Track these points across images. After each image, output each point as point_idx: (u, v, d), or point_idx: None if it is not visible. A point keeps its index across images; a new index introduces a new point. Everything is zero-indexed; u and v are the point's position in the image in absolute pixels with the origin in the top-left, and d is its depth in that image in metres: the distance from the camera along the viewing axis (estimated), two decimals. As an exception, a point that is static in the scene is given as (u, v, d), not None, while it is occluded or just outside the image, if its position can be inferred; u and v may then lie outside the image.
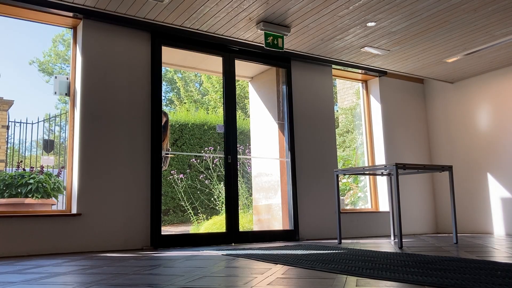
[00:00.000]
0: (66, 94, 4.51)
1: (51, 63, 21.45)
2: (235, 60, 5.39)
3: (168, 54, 5.10)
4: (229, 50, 5.29)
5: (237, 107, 13.75)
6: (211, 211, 8.17)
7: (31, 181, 5.23)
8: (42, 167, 5.58)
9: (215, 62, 5.74)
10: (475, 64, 6.07)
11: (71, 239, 4.10)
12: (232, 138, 5.17)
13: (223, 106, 5.20)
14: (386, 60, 5.92)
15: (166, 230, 7.92)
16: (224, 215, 5.87)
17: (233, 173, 5.12)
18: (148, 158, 4.61)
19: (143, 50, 4.75)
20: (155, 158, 4.64)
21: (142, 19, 4.54)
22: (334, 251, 3.69)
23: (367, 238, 5.73)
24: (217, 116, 10.41)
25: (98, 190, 4.28)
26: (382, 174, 5.10)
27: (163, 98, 22.29)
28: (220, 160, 8.27)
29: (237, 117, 11.51)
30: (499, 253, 3.53)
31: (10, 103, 9.08)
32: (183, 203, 7.87)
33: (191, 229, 7.54)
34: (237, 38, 5.06)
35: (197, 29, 4.82)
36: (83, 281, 2.29)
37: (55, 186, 5.46)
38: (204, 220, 7.30)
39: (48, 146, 7.90)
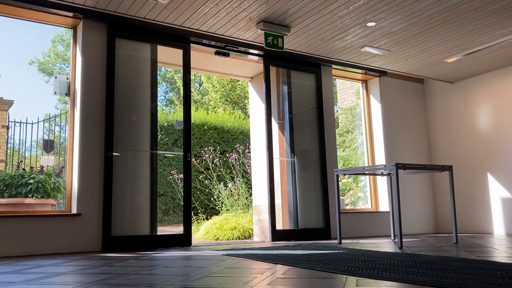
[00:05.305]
0: (66, 94, 4.51)
1: (51, 63, 21.44)
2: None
3: (168, 54, 5.09)
4: (189, 42, 4.97)
5: (237, 107, 13.78)
6: (211, 211, 8.17)
7: (31, 181, 5.23)
8: (42, 167, 5.58)
9: (216, 61, 5.73)
10: (475, 64, 6.06)
11: (71, 239, 4.10)
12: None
13: (183, 101, 4.87)
14: (386, 60, 5.92)
15: (166, 230, 7.91)
16: (224, 215, 5.85)
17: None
18: (101, 158, 4.35)
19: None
20: (108, 158, 4.33)
21: (142, 19, 4.54)
22: (334, 251, 3.69)
23: (367, 238, 5.72)
24: (217, 116, 10.40)
25: (98, 190, 4.28)
26: (382, 174, 5.10)
27: (163, 98, 22.16)
28: (221, 160, 8.27)
29: (237, 117, 11.53)
30: (499, 253, 3.53)
31: (10, 103, 9.08)
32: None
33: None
34: (237, 38, 5.05)
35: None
36: (83, 281, 2.28)
37: (55, 186, 5.47)
38: (204, 220, 7.30)
39: (48, 146, 7.90)
